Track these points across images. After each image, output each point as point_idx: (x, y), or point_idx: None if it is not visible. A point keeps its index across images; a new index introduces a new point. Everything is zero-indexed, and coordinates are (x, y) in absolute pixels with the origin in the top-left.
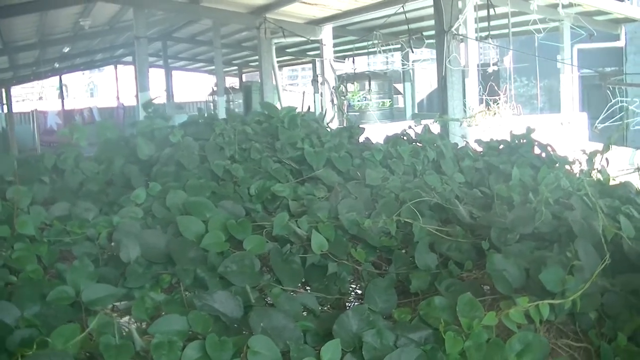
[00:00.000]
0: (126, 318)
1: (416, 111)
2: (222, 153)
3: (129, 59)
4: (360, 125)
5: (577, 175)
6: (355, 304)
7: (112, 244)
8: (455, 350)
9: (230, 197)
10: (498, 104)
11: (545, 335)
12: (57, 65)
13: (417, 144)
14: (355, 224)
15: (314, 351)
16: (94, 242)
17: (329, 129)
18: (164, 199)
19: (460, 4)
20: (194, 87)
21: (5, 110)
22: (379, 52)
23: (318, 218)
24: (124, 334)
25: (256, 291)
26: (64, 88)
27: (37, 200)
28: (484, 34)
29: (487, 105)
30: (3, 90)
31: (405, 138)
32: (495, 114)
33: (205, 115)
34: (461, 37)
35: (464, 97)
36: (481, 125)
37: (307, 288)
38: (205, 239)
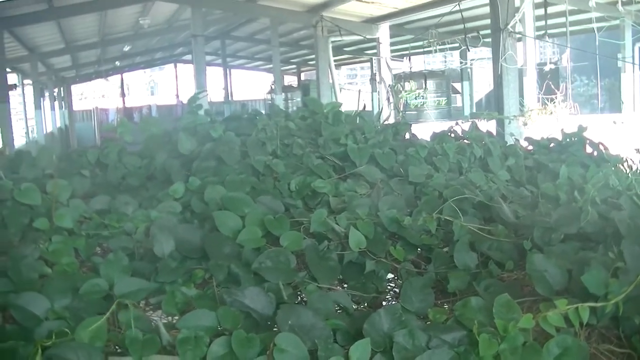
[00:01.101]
0: (158, 312)
1: (474, 110)
2: (263, 148)
3: (189, 57)
4: (417, 124)
5: (629, 174)
6: (393, 302)
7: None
8: (489, 353)
9: (270, 193)
10: (554, 102)
11: (585, 340)
12: (118, 63)
13: (464, 141)
14: (395, 222)
15: (342, 350)
16: (131, 236)
17: (378, 127)
18: (202, 194)
19: (517, 2)
20: (252, 85)
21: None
22: (435, 50)
23: (357, 215)
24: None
25: (290, 288)
26: (125, 86)
27: (77, 194)
28: (540, 32)
29: (544, 104)
30: (63, 88)
31: (452, 135)
32: (551, 113)
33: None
34: (517, 34)
35: (522, 95)
36: (537, 124)
37: (344, 286)
38: (242, 235)
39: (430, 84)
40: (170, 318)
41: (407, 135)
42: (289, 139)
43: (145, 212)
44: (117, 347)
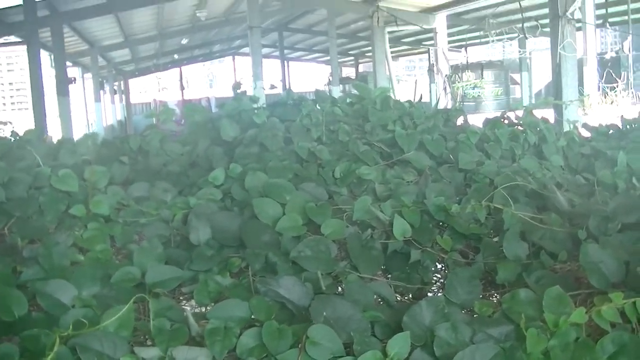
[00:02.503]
0: (193, 303)
1: (533, 101)
2: (308, 134)
3: (247, 50)
4: (475, 115)
5: None
6: (439, 294)
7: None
8: (538, 350)
9: (314, 180)
10: (615, 91)
11: None
12: (176, 56)
13: (518, 127)
14: (442, 209)
15: (380, 344)
16: (168, 224)
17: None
18: (243, 181)
19: None
20: (311, 77)
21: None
22: (492, 41)
23: (403, 202)
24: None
25: (330, 278)
26: (183, 79)
27: (116, 181)
28: (600, 21)
29: (604, 93)
30: (123, 82)
31: (505, 121)
32: (612, 102)
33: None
34: (576, 21)
35: (581, 85)
36: (597, 114)
37: (388, 277)
38: (281, 222)
39: (488, 74)
40: (204, 308)
41: (460, 122)
42: (334, 125)
43: (184, 199)
44: (146, 337)
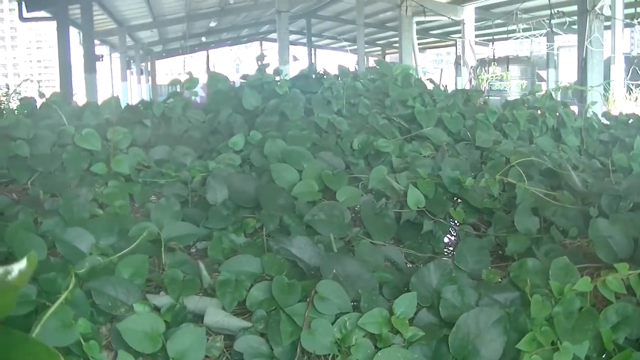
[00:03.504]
0: (207, 262)
1: (559, 98)
2: (329, 107)
3: (274, 35)
4: None
5: None
6: None
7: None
8: (542, 315)
9: (331, 150)
10: None
11: None
12: (204, 39)
13: (538, 110)
14: (457, 182)
15: (387, 303)
16: (187, 185)
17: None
18: (263, 148)
19: None
20: (337, 65)
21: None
22: (520, 37)
23: (418, 174)
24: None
25: (342, 242)
26: (210, 62)
27: (137, 143)
28: (627, 20)
29: (629, 90)
30: (150, 62)
31: (526, 105)
32: (636, 99)
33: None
34: (605, 18)
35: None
36: (620, 109)
37: (400, 245)
38: (297, 187)
39: (514, 69)
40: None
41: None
42: (355, 99)
43: (203, 163)
44: (159, 289)
